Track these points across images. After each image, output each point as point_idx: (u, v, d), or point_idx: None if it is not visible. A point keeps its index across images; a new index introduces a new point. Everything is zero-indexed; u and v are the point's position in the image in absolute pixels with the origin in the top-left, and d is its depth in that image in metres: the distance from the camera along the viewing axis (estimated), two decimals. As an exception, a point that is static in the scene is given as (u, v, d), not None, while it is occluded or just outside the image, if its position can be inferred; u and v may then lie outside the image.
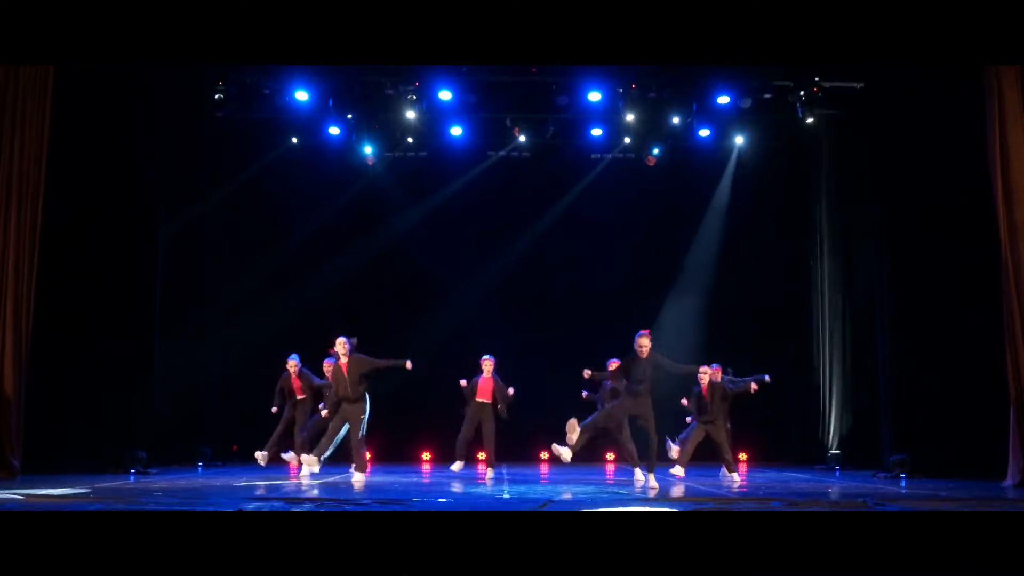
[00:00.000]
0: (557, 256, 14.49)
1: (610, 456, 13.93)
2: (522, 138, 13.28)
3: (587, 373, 10.22)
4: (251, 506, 6.11)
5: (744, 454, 13.80)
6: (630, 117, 12.49)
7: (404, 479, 9.74)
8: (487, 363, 10.40)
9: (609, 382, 10.06)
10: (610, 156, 14.07)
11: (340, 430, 9.48)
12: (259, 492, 7.66)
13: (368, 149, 13.44)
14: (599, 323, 13.89)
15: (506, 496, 7.40)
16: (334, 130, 13.04)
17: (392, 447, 13.56)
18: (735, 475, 10.10)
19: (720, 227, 14.24)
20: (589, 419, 8.83)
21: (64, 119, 10.06)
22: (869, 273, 12.11)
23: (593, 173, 14.26)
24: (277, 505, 6.30)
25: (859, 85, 11.98)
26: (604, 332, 13.67)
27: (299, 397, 10.96)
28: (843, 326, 13.08)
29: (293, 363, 11.02)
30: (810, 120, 12.58)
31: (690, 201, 14.34)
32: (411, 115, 12.39)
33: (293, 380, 10.98)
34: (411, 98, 12.12)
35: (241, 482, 8.98)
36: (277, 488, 8.12)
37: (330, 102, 12.38)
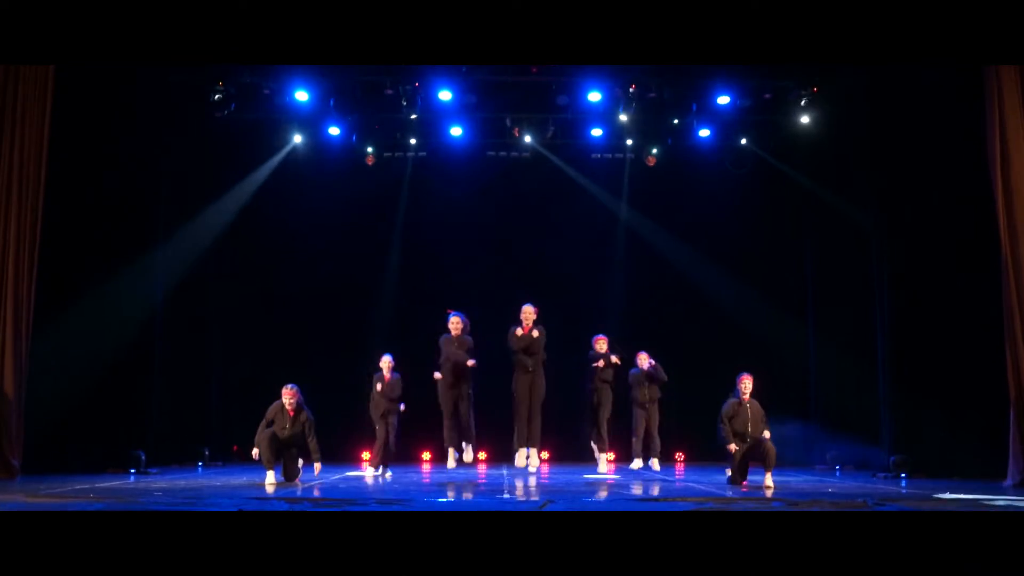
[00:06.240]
0: (557, 256, 14.46)
1: (610, 456, 13.89)
2: (527, 138, 13.27)
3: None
4: (251, 506, 6.11)
5: (744, 454, 13.76)
6: (630, 117, 12.49)
7: (404, 479, 9.74)
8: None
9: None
10: (610, 156, 14.05)
11: None
12: (260, 492, 7.66)
13: (368, 149, 13.44)
14: (598, 322, 13.86)
15: (506, 496, 7.40)
16: (334, 130, 13.04)
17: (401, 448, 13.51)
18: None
19: (719, 227, 14.22)
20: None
21: (64, 119, 10.06)
22: (868, 273, 12.10)
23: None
24: (277, 505, 6.30)
25: (859, 85, 11.98)
26: (603, 331, 13.67)
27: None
28: (842, 326, 13.06)
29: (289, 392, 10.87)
30: (809, 120, 12.60)
31: (690, 201, 14.32)
32: (411, 115, 12.41)
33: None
34: (411, 98, 12.13)
35: (241, 481, 8.98)
36: (278, 488, 8.12)
37: (331, 102, 12.38)
